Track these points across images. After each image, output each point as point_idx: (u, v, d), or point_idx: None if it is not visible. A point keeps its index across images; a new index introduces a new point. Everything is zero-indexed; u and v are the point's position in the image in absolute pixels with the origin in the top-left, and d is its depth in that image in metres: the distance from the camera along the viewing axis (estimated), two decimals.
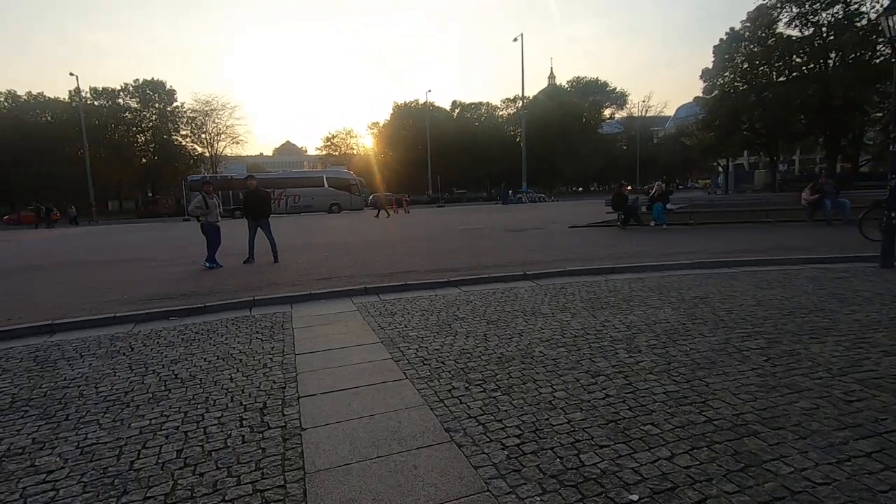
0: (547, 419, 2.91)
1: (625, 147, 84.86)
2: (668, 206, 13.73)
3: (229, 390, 3.59)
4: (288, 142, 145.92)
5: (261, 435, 2.90)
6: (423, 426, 2.91)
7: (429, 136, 56.76)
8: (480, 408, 3.11)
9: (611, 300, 5.96)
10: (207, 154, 61.77)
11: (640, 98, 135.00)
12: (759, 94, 36.29)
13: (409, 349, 4.37)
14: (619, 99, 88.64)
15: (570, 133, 74.51)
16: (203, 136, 60.87)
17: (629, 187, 14.89)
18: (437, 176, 57.79)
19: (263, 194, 10.06)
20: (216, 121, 61.46)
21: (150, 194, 59.11)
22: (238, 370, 4.02)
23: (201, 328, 5.45)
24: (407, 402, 3.25)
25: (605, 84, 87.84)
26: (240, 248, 10.41)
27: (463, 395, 3.31)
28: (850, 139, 37.52)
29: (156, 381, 3.87)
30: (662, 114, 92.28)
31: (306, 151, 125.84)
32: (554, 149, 69.81)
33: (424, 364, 3.97)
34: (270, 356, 4.37)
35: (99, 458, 2.71)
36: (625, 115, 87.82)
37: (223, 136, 62.51)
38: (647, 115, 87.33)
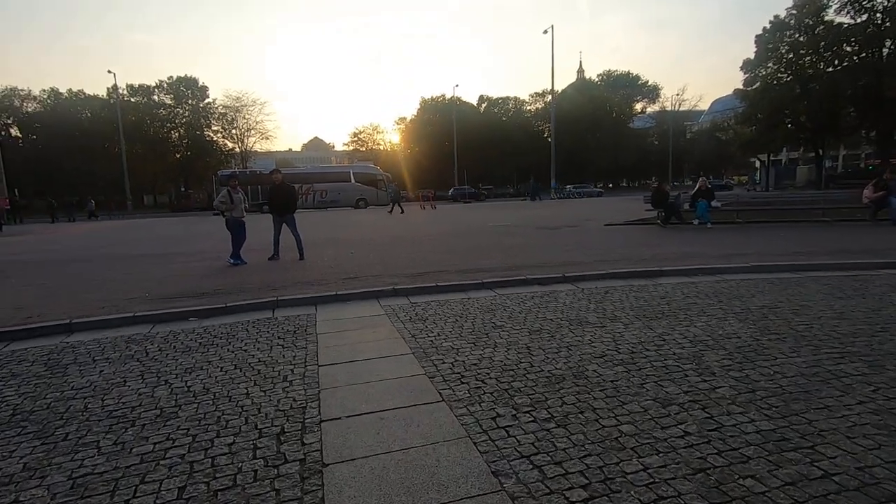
0: (617, 464, 2.39)
1: (656, 142, 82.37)
2: (713, 203, 12.87)
3: (244, 409, 3.20)
4: (316, 137, 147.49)
5: (276, 471, 2.47)
6: (467, 467, 2.43)
7: (455, 131, 56.14)
8: (533, 444, 2.62)
9: (665, 308, 5.36)
10: (238, 149, 62.69)
11: (674, 92, 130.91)
12: (804, 85, 34.35)
13: (444, 363, 3.90)
14: (652, 92, 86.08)
15: (601, 127, 72.88)
16: (234, 131, 61.79)
17: (667, 186, 13.80)
18: (463, 171, 57.13)
19: (289, 189, 9.74)
20: (246, 116, 62.33)
21: (182, 189, 60.37)
22: (256, 383, 3.63)
23: (221, 331, 5.10)
24: (445, 433, 2.78)
25: (637, 77, 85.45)
26: (265, 244, 10.14)
27: (510, 426, 2.82)
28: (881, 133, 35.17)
29: (167, 393, 3.51)
30: (697, 108, 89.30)
31: (334, 147, 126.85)
32: (583, 143, 68.29)
33: (462, 382, 3.49)
34: (292, 367, 3.97)
35: (90, 495, 2.33)
36: (657, 108, 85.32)
37: (253, 131, 63.35)
38: (681, 108, 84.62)
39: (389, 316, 5.49)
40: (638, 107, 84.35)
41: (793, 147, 42.05)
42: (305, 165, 60.59)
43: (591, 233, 12.77)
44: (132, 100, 57.48)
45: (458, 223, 17.96)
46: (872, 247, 8.98)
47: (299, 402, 3.27)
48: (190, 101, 60.00)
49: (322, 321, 5.39)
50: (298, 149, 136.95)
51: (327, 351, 4.36)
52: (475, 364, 3.84)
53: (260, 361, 4.12)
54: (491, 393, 3.28)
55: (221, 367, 4.01)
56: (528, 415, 2.94)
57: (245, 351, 4.42)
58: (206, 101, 60.48)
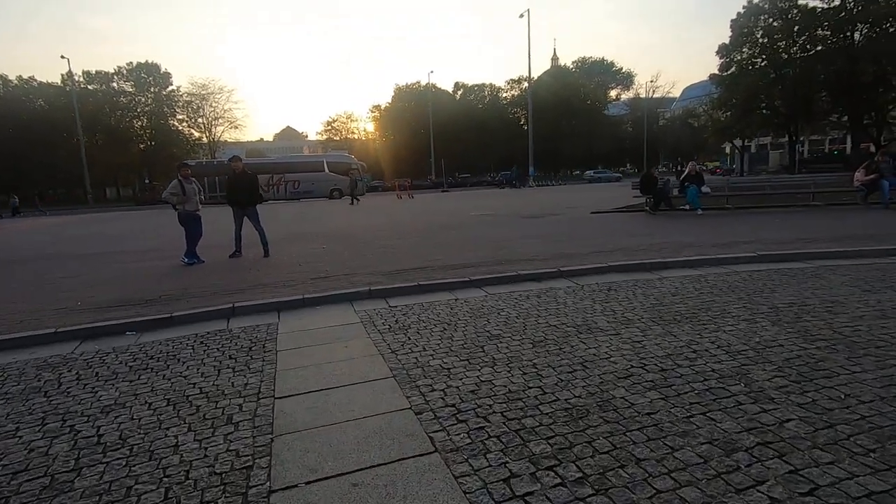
0: None
1: (630, 129, 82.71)
2: (703, 188, 12.37)
3: (167, 473, 2.36)
4: (288, 127, 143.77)
5: None
6: None
7: (431, 119, 54.99)
8: None
9: (681, 308, 4.69)
10: (205, 139, 60.29)
11: (648, 78, 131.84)
12: (779, 70, 34.46)
13: (434, 391, 3.13)
14: (626, 79, 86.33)
15: (576, 115, 72.73)
16: (200, 120, 59.36)
17: (656, 172, 13.11)
18: (441, 160, 56.22)
19: (251, 179, 8.75)
20: (213, 105, 59.95)
21: (147, 181, 57.80)
22: (190, 428, 2.79)
23: (160, 350, 4.22)
24: None
25: (612, 64, 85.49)
26: (227, 240, 9.16)
27: (531, 495, 2.06)
28: (872, 118, 35.74)
29: (66, 448, 2.64)
30: (670, 94, 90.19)
31: (307, 136, 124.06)
32: (559, 131, 67.89)
33: (459, 420, 2.72)
34: (241, 400, 3.14)
35: None
36: (631, 95, 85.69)
37: (221, 120, 61.05)
38: (654, 95, 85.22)
39: (365, 325, 4.69)
40: (612, 94, 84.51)
41: (763, 133, 42.32)
42: (278, 155, 58.54)
43: (578, 221, 12.12)
44: (90, 87, 54.52)
45: (438, 213, 17.15)
46: (876, 232, 8.55)
47: (244, 460, 2.45)
48: (152, 89, 57.24)
49: (285, 333, 4.55)
50: (270, 138, 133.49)
51: (287, 376, 3.53)
52: (472, 392, 3.08)
53: (201, 393, 3.27)
54: (498, 437, 2.52)
55: (150, 404, 3.15)
56: (552, 474, 2.19)
57: (185, 378, 3.56)
58: (170, 88, 57.85)
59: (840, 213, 11.46)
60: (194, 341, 4.42)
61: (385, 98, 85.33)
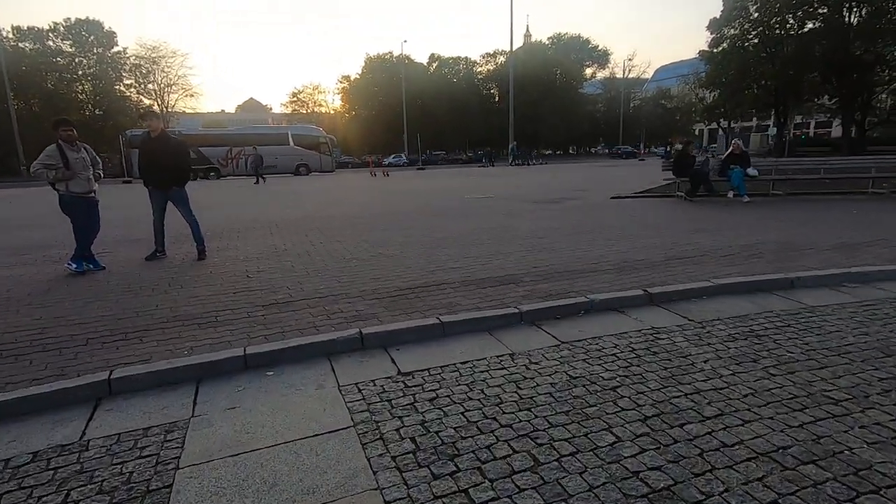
0: None
1: (603, 109, 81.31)
2: (749, 170, 10.34)
3: None
4: (252, 98, 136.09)
5: None
6: None
7: (405, 93, 51.62)
8: None
9: None
10: (157, 107, 55.11)
11: (624, 56, 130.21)
12: (772, 47, 32.90)
13: None
14: (602, 58, 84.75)
15: (552, 93, 70.48)
16: (150, 86, 54.07)
17: (692, 148, 10.74)
18: (416, 136, 53.30)
19: (175, 148, 6.01)
20: (165, 70, 54.65)
21: None
22: None
23: None
24: None
25: (587, 41, 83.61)
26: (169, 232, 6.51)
27: None
28: (859, 101, 34.84)
29: None
30: (645, 74, 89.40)
31: (271, 109, 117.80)
32: (535, 109, 65.38)
33: None
34: None
35: None
36: (606, 74, 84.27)
37: (175, 87, 55.84)
38: (630, 75, 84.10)
39: (359, 427, 2.34)
40: (588, 72, 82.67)
41: (745, 115, 41.10)
42: (237, 126, 53.91)
43: (606, 209, 9.91)
44: (21, 46, 48.54)
45: (425, 194, 14.67)
46: None
47: None
48: (95, 50, 51.50)
49: (198, 454, 2.15)
50: (232, 110, 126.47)
51: None
52: None
53: None
54: None
55: None
56: None
57: None
58: (115, 49, 52.21)
59: None
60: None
61: (355, 69, 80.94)
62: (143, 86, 53.68)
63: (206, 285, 4.85)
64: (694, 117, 41.71)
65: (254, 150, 28.60)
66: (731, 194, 10.26)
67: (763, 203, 9.93)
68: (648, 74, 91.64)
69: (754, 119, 46.81)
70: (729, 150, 10.67)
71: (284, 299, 4.30)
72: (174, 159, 5.88)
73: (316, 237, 7.40)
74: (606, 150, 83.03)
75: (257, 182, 24.58)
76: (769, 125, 67.65)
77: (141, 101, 53.69)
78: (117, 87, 52.67)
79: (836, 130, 51.95)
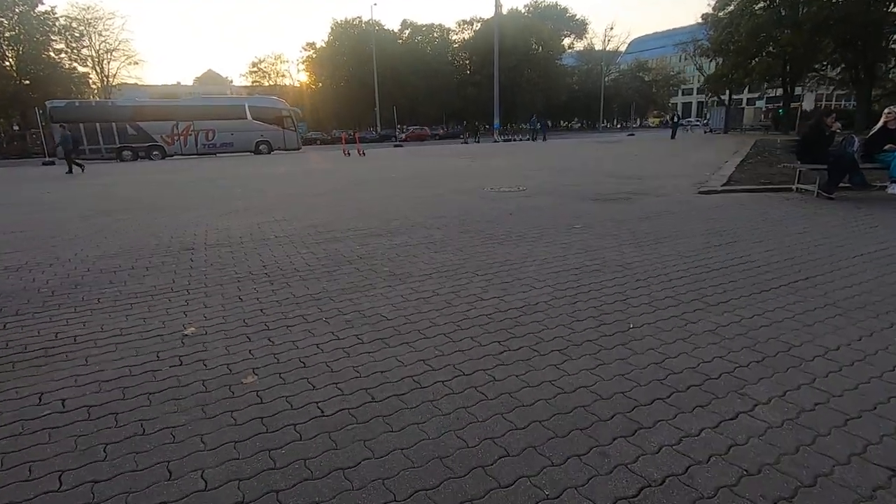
0: None
1: (576, 86, 78.05)
2: None
3: None
4: (210, 70, 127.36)
5: None
6: None
7: (376, 63, 46.66)
8: None
9: None
10: (95, 76, 48.76)
11: (600, 27, 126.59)
12: (788, 8, 29.72)
13: None
14: (579, 27, 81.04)
15: (531, 63, 66.49)
16: (85, 51, 47.49)
17: (832, 120, 7.55)
18: (392, 108, 48.77)
19: None
20: (103, 33, 48.12)
21: (16, 128, 46.15)
22: None
23: None
24: None
25: (565, 10, 79.60)
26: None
27: None
28: (871, 71, 32.23)
29: None
30: (623, 45, 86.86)
31: (232, 82, 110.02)
32: (514, 80, 61.20)
33: None
34: None
35: None
36: (585, 45, 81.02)
37: (116, 53, 49.40)
38: (609, 47, 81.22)
39: None
40: (565, 42, 78.93)
41: (753, 85, 38.27)
42: (187, 97, 48.01)
43: (714, 212, 6.47)
44: None
45: (423, 184, 10.90)
46: None
47: None
48: (17, 8, 44.60)
49: None
50: (190, 83, 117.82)
51: None
52: None
53: None
54: None
55: None
56: None
57: None
58: (41, 8, 45.35)
59: None
60: None
61: (321, 36, 74.85)
62: (76, 51, 47.06)
63: None
64: (705, 87, 38.29)
65: (61, 127, 21.43)
66: (891, 188, 6.94)
67: None
68: (624, 47, 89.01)
69: (746, 91, 43.98)
70: (880, 124, 7.29)
71: None
72: None
73: (277, 276, 3.67)
74: (606, 125, 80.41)
75: (70, 171, 17.69)
76: (756, 98, 65.91)
77: (75, 68, 47.17)
78: (46, 53, 45.99)
79: (807, 103, 49.92)
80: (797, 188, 7.77)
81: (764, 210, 6.55)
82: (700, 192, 8.01)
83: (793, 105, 37.46)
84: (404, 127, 56.64)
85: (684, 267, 4.09)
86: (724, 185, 8.50)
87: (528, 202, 7.61)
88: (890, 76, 33.49)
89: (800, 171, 7.66)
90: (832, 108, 44.02)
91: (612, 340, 2.77)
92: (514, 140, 38.49)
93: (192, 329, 3.05)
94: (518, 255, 4.60)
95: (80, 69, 47.52)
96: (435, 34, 71.29)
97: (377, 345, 2.80)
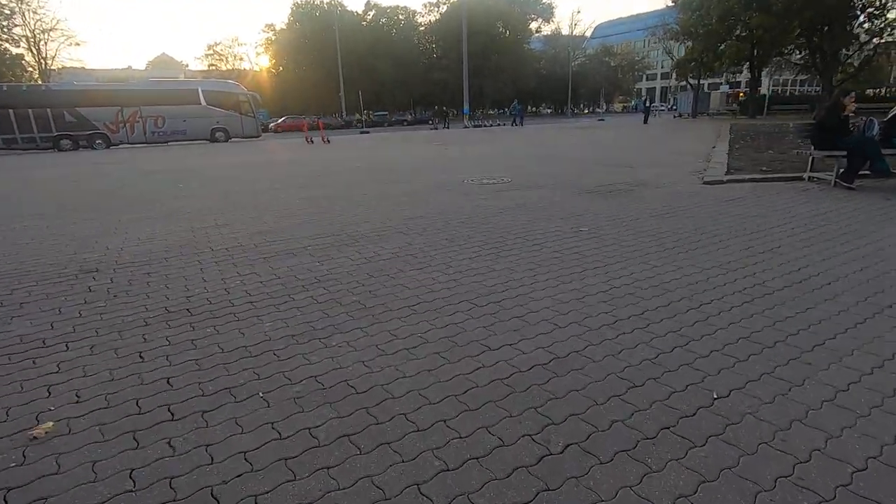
0: None
1: (544, 71, 77.61)
2: None
3: None
4: (164, 54, 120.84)
5: None
6: None
7: (339, 46, 44.51)
8: None
9: None
10: (31, 58, 44.89)
11: (568, 12, 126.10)
12: None
13: None
14: (546, 11, 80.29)
15: (499, 47, 65.44)
16: (17, 30, 43.55)
17: (849, 99, 7.00)
18: (358, 94, 46.91)
19: None
20: (38, 12, 44.25)
21: None
22: None
23: None
24: None
25: None
26: None
27: None
28: (826, 54, 32.48)
29: None
30: (589, 30, 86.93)
31: (187, 66, 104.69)
32: (481, 65, 59.97)
33: None
34: None
35: None
36: (552, 29, 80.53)
37: (53, 33, 45.55)
38: (576, 33, 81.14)
39: None
40: (533, 26, 78.14)
41: (721, 70, 38.15)
42: (135, 81, 44.51)
43: (729, 205, 5.68)
44: None
45: (399, 176, 9.77)
46: None
47: None
48: None
49: None
50: (142, 67, 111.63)
51: None
52: None
53: None
54: None
55: None
56: None
57: None
58: None
59: None
60: None
61: (281, 18, 71.56)
62: (7, 30, 43.09)
63: None
64: (678, 71, 37.99)
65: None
66: None
67: None
68: (591, 32, 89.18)
69: (724, 75, 44.03)
70: None
71: None
72: None
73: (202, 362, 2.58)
74: (575, 110, 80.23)
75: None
76: (720, 83, 66.66)
77: (7, 50, 43.27)
78: None
79: (764, 88, 50.59)
80: (809, 177, 7.06)
81: (787, 204, 5.77)
82: (705, 183, 7.21)
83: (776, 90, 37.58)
84: (370, 112, 54.67)
85: (740, 288, 3.20)
86: (726, 174, 7.73)
87: (517, 197, 6.63)
88: (849, 61, 33.90)
89: (812, 158, 6.94)
90: (791, 94, 44.63)
91: (701, 427, 1.83)
92: (485, 126, 37.44)
93: (48, 426, 1.95)
94: (521, 273, 3.61)
95: (14, 50, 43.65)
96: (400, 16, 69.14)
97: (343, 451, 1.77)
